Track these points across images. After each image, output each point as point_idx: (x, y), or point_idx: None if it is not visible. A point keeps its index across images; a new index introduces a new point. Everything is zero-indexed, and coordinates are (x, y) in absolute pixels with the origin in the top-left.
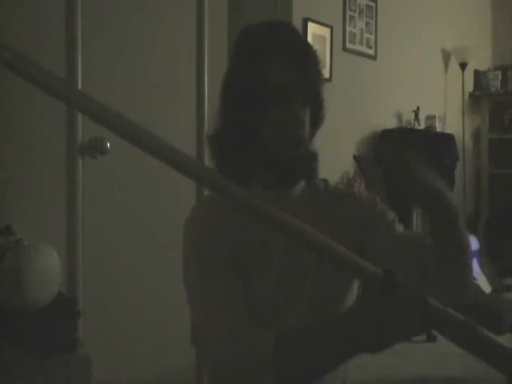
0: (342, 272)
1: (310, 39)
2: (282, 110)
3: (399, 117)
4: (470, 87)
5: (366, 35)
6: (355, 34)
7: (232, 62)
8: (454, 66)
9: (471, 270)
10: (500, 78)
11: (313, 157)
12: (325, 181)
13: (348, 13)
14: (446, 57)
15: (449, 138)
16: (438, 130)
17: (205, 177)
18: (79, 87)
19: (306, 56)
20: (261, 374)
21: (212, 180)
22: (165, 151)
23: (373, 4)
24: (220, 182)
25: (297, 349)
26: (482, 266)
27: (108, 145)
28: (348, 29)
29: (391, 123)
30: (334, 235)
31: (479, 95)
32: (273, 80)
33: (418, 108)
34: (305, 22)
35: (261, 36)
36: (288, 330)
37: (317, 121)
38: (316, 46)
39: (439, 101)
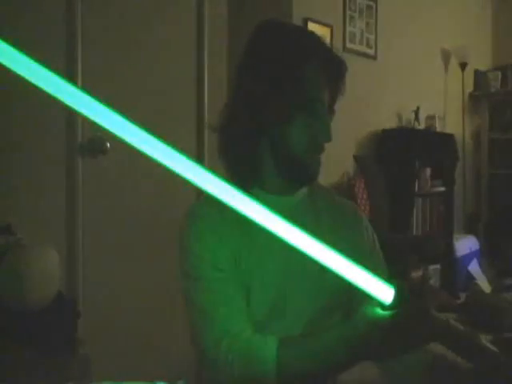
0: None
1: None
2: (312, 119)
3: (399, 117)
4: (470, 87)
5: (366, 35)
6: (355, 34)
7: (258, 60)
8: (454, 65)
9: None
10: (500, 78)
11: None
12: (328, 189)
13: (348, 13)
14: (446, 57)
15: (449, 137)
16: (438, 129)
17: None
18: (79, 83)
19: (342, 70)
20: (265, 378)
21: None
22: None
23: (373, 4)
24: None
25: (300, 354)
26: (482, 266)
27: (108, 145)
28: (348, 29)
29: (391, 123)
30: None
31: (479, 95)
32: (309, 92)
33: (418, 108)
34: (305, 21)
35: (301, 44)
36: (292, 336)
37: None
38: None
39: (439, 101)
